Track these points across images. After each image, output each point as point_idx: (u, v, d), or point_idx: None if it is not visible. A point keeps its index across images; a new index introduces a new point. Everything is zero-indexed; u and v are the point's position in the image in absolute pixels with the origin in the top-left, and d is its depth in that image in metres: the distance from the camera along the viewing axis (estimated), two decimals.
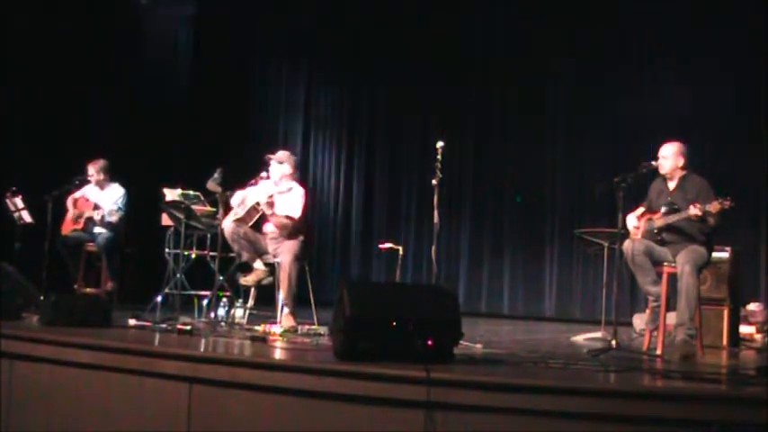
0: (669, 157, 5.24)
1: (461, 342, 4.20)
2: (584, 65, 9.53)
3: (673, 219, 5.11)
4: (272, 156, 6.18)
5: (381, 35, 10.49)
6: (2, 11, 8.27)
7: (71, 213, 7.29)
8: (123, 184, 7.40)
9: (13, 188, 7.22)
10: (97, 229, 7.15)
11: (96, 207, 7.12)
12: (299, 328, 5.67)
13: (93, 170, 7.29)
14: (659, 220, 5.20)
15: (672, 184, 5.29)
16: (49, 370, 4.43)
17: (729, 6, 8.33)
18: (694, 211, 4.89)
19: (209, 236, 7.34)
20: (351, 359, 3.76)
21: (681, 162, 5.24)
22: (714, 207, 4.84)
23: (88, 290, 7.15)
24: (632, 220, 5.42)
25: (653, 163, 5.24)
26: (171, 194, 6.88)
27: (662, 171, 5.28)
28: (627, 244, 5.17)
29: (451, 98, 10.34)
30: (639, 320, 6.42)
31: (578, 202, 9.35)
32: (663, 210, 5.22)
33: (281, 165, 6.15)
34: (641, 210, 5.45)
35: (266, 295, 6.47)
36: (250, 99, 10.85)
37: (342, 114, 11.15)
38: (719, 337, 6.03)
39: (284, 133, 11.07)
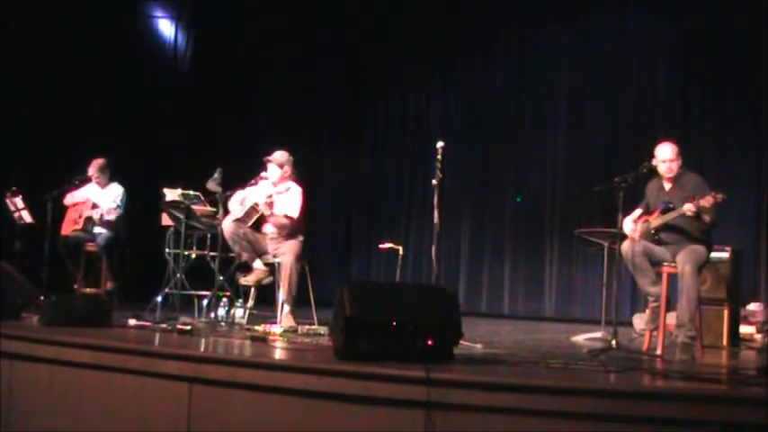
0: (674, 159, 5.19)
1: (461, 342, 4.20)
2: (584, 65, 9.54)
3: (669, 217, 5.09)
4: (269, 158, 6.17)
5: (382, 35, 10.49)
6: (2, 11, 8.28)
7: (70, 214, 7.31)
8: (122, 184, 7.40)
9: (13, 188, 7.22)
10: (97, 230, 7.15)
11: (95, 206, 7.13)
12: (299, 328, 5.67)
13: (94, 169, 7.30)
14: (656, 221, 5.19)
15: (668, 184, 5.28)
16: (49, 370, 4.43)
17: (731, 8, 8.33)
18: (688, 206, 4.89)
19: (209, 236, 7.35)
20: (351, 359, 3.76)
21: (680, 161, 5.23)
22: (707, 201, 4.83)
23: (88, 290, 7.15)
24: (629, 224, 5.34)
25: (653, 163, 5.22)
26: (171, 194, 6.88)
27: (669, 174, 5.21)
28: (626, 245, 5.16)
29: (452, 97, 10.34)
30: (639, 320, 6.42)
31: (578, 202, 9.35)
32: (659, 210, 5.20)
33: (277, 166, 6.15)
34: (638, 212, 5.41)
35: (266, 295, 6.47)
36: (250, 99, 10.85)
37: (342, 114, 11.15)
38: (719, 337, 6.02)
39: (285, 133, 11.07)
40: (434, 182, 5.31)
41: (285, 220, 6.05)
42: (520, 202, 9.86)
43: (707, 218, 4.96)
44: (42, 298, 5.62)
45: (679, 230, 5.10)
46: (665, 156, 5.20)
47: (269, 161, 6.16)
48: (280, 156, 6.19)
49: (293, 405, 3.72)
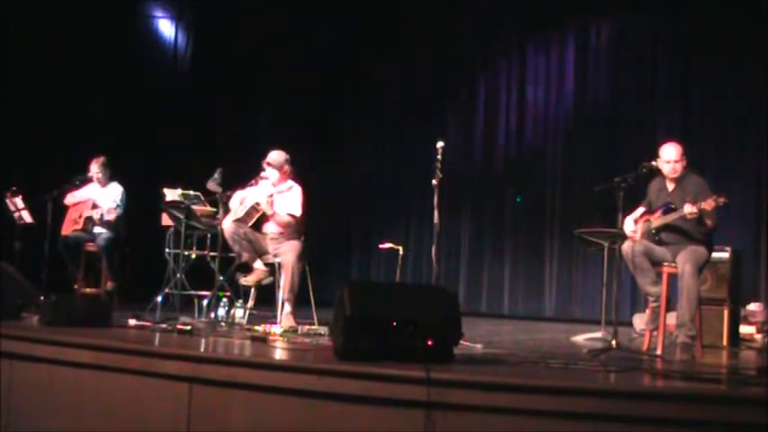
0: (679, 159, 5.17)
1: (461, 342, 4.20)
2: (584, 64, 9.54)
3: (670, 218, 5.09)
4: (268, 161, 6.16)
5: (382, 35, 10.49)
6: (2, 11, 8.28)
7: (71, 214, 7.31)
8: (122, 184, 7.40)
9: (13, 188, 7.22)
10: (97, 230, 7.16)
11: (95, 206, 7.13)
12: (299, 328, 5.67)
13: (95, 168, 7.30)
14: (657, 221, 5.19)
15: (671, 185, 5.27)
16: (49, 370, 4.43)
17: (731, 8, 8.33)
18: (690, 209, 4.88)
19: (209, 236, 7.35)
20: (351, 359, 3.76)
21: (685, 162, 5.22)
22: (709, 204, 4.83)
23: (88, 290, 7.15)
24: (629, 224, 5.33)
25: (653, 163, 5.21)
26: (171, 194, 6.89)
27: (673, 175, 5.20)
28: (626, 245, 5.15)
29: (452, 97, 10.34)
30: (639, 320, 6.42)
31: (578, 202, 9.34)
32: (661, 210, 5.20)
33: (276, 169, 6.14)
34: (640, 210, 5.41)
35: (266, 295, 6.47)
36: (250, 99, 10.84)
37: (342, 114, 11.14)
38: (719, 337, 6.02)
39: (285, 133, 11.06)
40: (434, 182, 5.30)
41: (289, 219, 6.06)
42: (520, 201, 9.86)
43: (709, 222, 4.96)
44: (42, 298, 5.62)
45: (680, 231, 5.10)
46: (671, 156, 5.18)
47: (269, 164, 6.15)
48: (277, 157, 6.18)
49: (293, 405, 3.72)
